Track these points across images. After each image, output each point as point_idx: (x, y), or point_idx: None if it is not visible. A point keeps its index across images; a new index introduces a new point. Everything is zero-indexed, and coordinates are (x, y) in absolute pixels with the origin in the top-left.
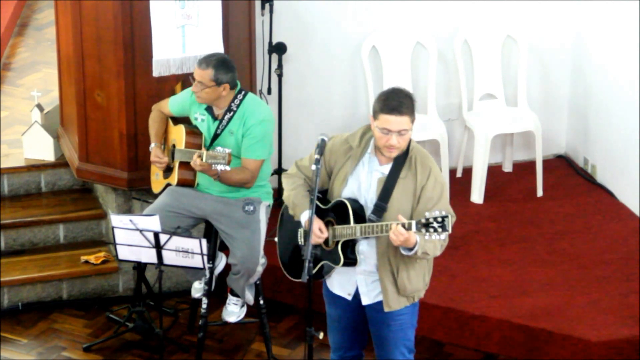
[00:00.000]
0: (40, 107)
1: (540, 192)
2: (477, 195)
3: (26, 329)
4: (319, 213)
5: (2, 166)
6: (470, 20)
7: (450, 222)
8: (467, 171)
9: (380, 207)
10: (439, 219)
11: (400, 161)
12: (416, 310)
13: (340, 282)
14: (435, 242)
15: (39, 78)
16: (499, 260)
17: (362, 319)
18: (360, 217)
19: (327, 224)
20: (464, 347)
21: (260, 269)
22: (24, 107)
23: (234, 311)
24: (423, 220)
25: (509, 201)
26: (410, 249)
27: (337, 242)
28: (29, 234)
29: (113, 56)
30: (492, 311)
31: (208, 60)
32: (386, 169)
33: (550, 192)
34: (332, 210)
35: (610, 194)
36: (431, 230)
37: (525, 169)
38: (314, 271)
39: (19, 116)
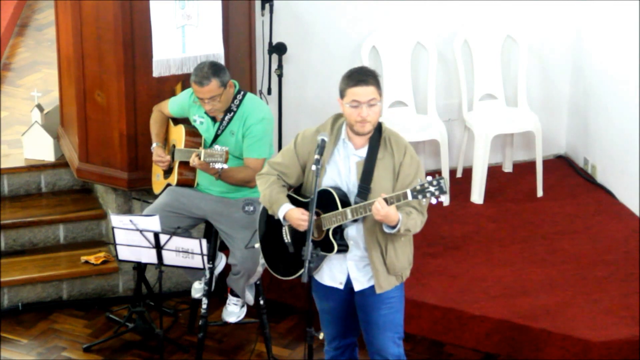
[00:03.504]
0: (40, 107)
1: (540, 192)
2: (477, 195)
3: (26, 329)
4: (300, 207)
5: (2, 166)
6: (470, 20)
7: (447, 183)
8: (467, 171)
9: (364, 189)
10: (434, 182)
11: (375, 143)
12: (403, 294)
13: (331, 273)
14: (417, 219)
15: (39, 78)
16: (499, 260)
17: (354, 307)
18: (346, 202)
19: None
20: (464, 347)
21: (260, 269)
22: (24, 107)
23: (234, 311)
24: (418, 187)
25: (509, 201)
26: (393, 227)
27: (327, 230)
28: (29, 234)
29: (113, 56)
30: (492, 311)
31: (204, 75)
32: (363, 152)
33: (550, 192)
34: (317, 201)
35: (610, 194)
36: (428, 194)
37: (525, 169)
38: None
39: (19, 116)
